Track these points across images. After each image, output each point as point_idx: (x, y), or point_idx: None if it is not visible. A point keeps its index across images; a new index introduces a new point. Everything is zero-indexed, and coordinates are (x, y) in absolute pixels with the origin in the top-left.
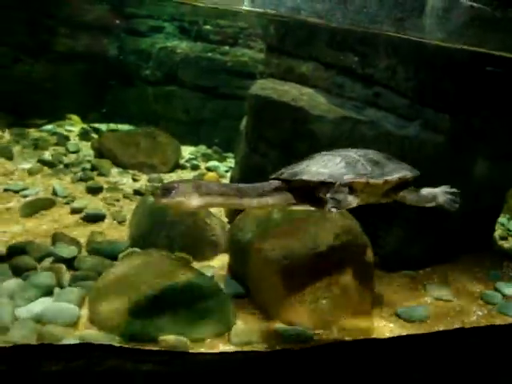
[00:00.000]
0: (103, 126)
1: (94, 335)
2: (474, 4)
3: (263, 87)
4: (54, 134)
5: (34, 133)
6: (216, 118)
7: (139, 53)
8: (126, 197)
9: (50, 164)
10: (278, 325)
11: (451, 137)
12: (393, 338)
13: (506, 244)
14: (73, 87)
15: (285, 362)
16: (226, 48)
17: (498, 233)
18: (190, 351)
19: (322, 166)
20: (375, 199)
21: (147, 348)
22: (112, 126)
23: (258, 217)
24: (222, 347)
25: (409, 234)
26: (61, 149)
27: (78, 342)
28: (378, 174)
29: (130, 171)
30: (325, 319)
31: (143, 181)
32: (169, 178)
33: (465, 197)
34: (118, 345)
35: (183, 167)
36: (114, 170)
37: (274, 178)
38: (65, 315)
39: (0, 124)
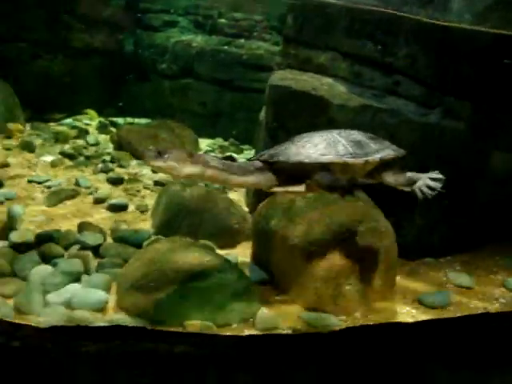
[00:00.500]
0: (120, 120)
1: (123, 320)
2: None
3: (282, 77)
4: (73, 127)
5: (53, 127)
6: (232, 110)
7: (155, 47)
8: (146, 187)
9: (70, 156)
10: (303, 311)
11: (472, 124)
12: (418, 322)
13: None
14: (89, 82)
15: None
16: (242, 41)
17: None
18: (221, 334)
19: (301, 147)
20: (355, 180)
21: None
22: (128, 119)
23: (282, 204)
24: (248, 332)
25: (430, 222)
26: (80, 142)
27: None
28: (359, 155)
29: None
30: (348, 305)
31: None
32: None
33: (486, 185)
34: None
35: None
36: (134, 162)
37: (256, 160)
38: (93, 301)
39: (20, 118)
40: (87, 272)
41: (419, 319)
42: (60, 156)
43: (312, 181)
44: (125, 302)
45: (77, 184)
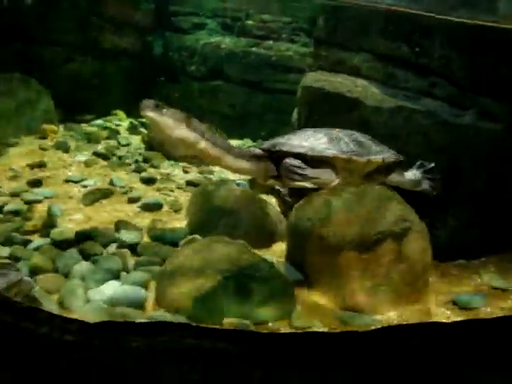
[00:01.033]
0: None
1: (162, 317)
2: None
3: (316, 79)
4: (104, 128)
5: (85, 127)
6: (261, 111)
7: (184, 49)
8: (179, 187)
9: (104, 156)
10: (338, 310)
11: (508, 125)
12: (457, 322)
13: None
14: (118, 84)
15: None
16: (270, 43)
17: None
18: (263, 331)
19: (304, 140)
20: (356, 181)
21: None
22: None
23: (318, 204)
24: (284, 331)
25: (463, 223)
26: (112, 142)
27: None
28: (362, 153)
29: (180, 163)
30: (383, 305)
31: (194, 173)
32: (219, 170)
33: None
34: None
35: None
36: (165, 163)
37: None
38: (133, 298)
39: (54, 119)
40: (126, 270)
41: (454, 320)
42: (93, 156)
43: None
44: (164, 299)
45: (111, 183)
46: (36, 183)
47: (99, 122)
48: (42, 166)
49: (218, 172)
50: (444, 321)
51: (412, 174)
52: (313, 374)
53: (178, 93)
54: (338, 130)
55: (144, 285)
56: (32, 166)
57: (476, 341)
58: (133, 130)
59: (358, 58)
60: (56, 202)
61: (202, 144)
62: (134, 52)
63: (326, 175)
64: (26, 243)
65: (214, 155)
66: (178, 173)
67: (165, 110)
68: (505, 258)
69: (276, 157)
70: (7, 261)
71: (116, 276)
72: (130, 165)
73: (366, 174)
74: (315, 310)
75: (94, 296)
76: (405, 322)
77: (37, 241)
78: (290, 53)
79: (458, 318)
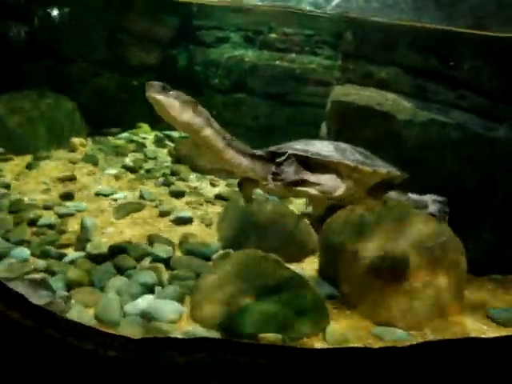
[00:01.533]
0: (175, 133)
1: (197, 331)
2: None
3: (345, 93)
4: (131, 141)
5: (112, 140)
6: (285, 124)
7: (207, 63)
8: (207, 201)
9: (132, 169)
10: (373, 325)
11: None
12: (496, 337)
13: None
14: (143, 97)
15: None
16: (293, 55)
17: None
18: (301, 347)
19: (310, 145)
20: (360, 193)
21: (257, 343)
22: (183, 133)
23: (351, 218)
24: (318, 346)
25: (499, 238)
26: (139, 155)
27: (182, 336)
28: (368, 164)
29: (208, 176)
30: (418, 320)
31: (221, 186)
32: None
33: None
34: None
35: None
36: (193, 176)
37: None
38: (168, 312)
39: (83, 133)
40: (160, 284)
41: (491, 336)
42: (122, 169)
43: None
44: (199, 314)
45: (141, 197)
46: (68, 196)
47: (125, 135)
48: (72, 179)
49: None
50: (481, 336)
51: (418, 196)
52: None
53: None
54: (340, 142)
55: (178, 299)
56: (63, 180)
57: None
58: (158, 143)
59: (387, 71)
60: (88, 215)
61: (207, 131)
62: (158, 66)
63: (330, 182)
64: (60, 257)
65: (217, 146)
66: (205, 186)
67: (171, 93)
68: None
69: (280, 161)
70: (43, 274)
71: (150, 290)
72: (158, 178)
73: (370, 187)
74: (349, 324)
75: (130, 310)
76: (441, 338)
77: (71, 254)
78: (314, 65)
79: (495, 334)
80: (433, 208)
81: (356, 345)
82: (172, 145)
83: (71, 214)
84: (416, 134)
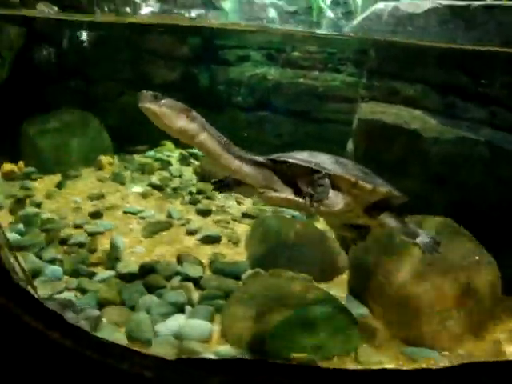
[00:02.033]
0: (199, 152)
1: (229, 351)
2: None
3: (372, 111)
4: (156, 159)
5: (138, 159)
6: (309, 141)
7: (229, 81)
8: (234, 219)
9: (158, 188)
10: (404, 345)
11: None
12: None
13: None
14: None
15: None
16: (316, 73)
17: None
18: (334, 368)
19: (312, 157)
20: (358, 211)
21: (290, 363)
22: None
23: (381, 238)
24: (351, 367)
25: None
26: (165, 173)
27: (214, 357)
28: (368, 181)
29: (234, 194)
30: (451, 340)
31: (247, 204)
32: None
33: None
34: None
35: None
36: (218, 194)
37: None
38: (199, 332)
39: (110, 151)
40: (190, 303)
41: None
42: (149, 187)
43: (300, 183)
44: (230, 333)
45: (169, 215)
46: (97, 215)
47: (151, 153)
48: (101, 197)
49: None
50: None
51: (413, 226)
52: None
53: (224, 123)
54: (345, 159)
55: (209, 319)
56: (92, 198)
57: None
58: (183, 161)
59: (413, 88)
60: (117, 233)
61: (203, 137)
62: (181, 84)
63: (334, 197)
64: (91, 275)
65: (214, 150)
66: (232, 204)
67: (163, 101)
68: None
69: (280, 168)
70: (75, 293)
71: (181, 310)
72: (185, 196)
73: (367, 206)
74: (381, 344)
75: (161, 329)
76: (475, 359)
77: (102, 273)
78: (337, 83)
79: None
80: (420, 239)
81: (388, 365)
82: (197, 163)
83: (101, 233)
84: (444, 152)
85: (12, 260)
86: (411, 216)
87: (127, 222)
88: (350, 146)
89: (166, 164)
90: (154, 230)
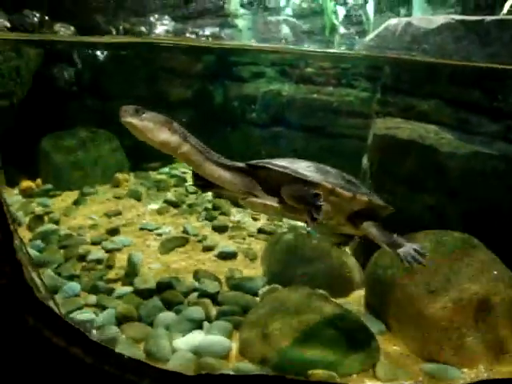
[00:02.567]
0: None
1: (247, 367)
2: None
3: (387, 126)
4: (171, 176)
5: (153, 176)
6: (323, 156)
7: (243, 97)
8: (250, 235)
9: (174, 204)
10: (423, 362)
11: None
12: None
13: None
14: None
15: None
16: (330, 89)
17: None
18: None
19: (290, 163)
20: (340, 220)
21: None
22: None
23: None
24: (369, 383)
25: None
26: (181, 190)
27: (233, 373)
28: (348, 189)
29: (249, 210)
30: (471, 357)
31: (262, 220)
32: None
33: None
34: (290, 377)
35: None
36: (234, 210)
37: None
38: (218, 348)
39: (126, 168)
40: (208, 319)
41: None
42: (165, 204)
43: (284, 192)
44: (248, 350)
45: (185, 231)
46: (114, 231)
47: (166, 170)
48: (117, 214)
49: (287, 220)
50: None
51: (400, 239)
52: None
53: (238, 139)
54: (325, 165)
55: (227, 335)
56: (109, 215)
57: None
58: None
59: (427, 103)
60: (134, 250)
61: (185, 148)
62: (196, 101)
63: None
64: (110, 291)
65: (196, 161)
66: (247, 220)
67: (145, 115)
68: None
69: (259, 174)
70: (94, 309)
71: (199, 326)
72: (201, 212)
73: (350, 215)
74: (399, 361)
75: (179, 345)
76: (495, 376)
77: (120, 289)
78: (351, 98)
79: None
80: (402, 250)
81: (407, 382)
82: None
83: (118, 249)
84: (459, 166)
85: (35, 276)
86: (427, 231)
87: (144, 239)
88: (365, 161)
89: (181, 181)
90: (171, 246)
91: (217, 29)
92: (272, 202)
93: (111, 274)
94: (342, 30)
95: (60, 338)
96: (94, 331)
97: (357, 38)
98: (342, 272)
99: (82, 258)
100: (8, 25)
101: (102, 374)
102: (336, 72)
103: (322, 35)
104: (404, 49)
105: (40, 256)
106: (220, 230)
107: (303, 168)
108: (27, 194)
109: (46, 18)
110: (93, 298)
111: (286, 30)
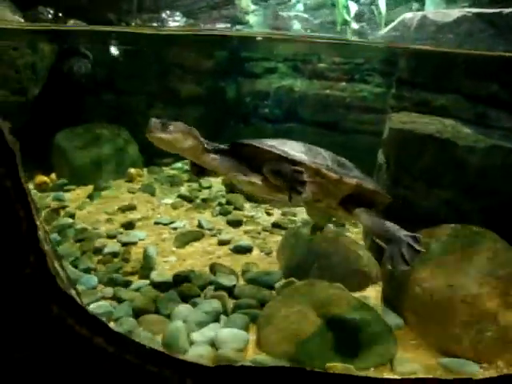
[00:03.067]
0: None
1: (265, 360)
2: None
3: (403, 120)
4: (184, 171)
5: (166, 171)
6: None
7: (256, 93)
8: (265, 230)
9: (188, 199)
10: (441, 356)
11: None
12: None
13: None
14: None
15: None
16: (343, 84)
17: None
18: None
19: (279, 144)
20: (331, 203)
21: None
22: None
23: None
24: (387, 376)
25: None
26: (194, 185)
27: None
28: (336, 171)
29: (263, 205)
30: (490, 352)
31: (276, 214)
32: (302, 210)
33: None
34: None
35: None
36: (247, 205)
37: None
38: (235, 340)
39: (139, 164)
40: (225, 312)
41: None
42: (178, 199)
43: (265, 168)
44: (265, 342)
45: (199, 226)
46: (129, 225)
47: (179, 165)
48: (132, 208)
49: (301, 214)
50: None
51: (392, 227)
52: None
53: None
54: (324, 149)
55: (244, 328)
56: (123, 209)
57: None
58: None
59: (444, 98)
60: (149, 243)
61: (200, 148)
62: (208, 97)
63: None
64: (126, 284)
65: (199, 154)
66: (261, 215)
67: (171, 128)
68: None
69: (245, 152)
70: (111, 302)
71: (216, 319)
72: (215, 207)
73: (343, 200)
74: (416, 355)
75: (197, 338)
76: None
77: (136, 282)
78: (364, 93)
79: None
80: (391, 247)
81: (425, 375)
82: None
83: (134, 243)
84: (478, 161)
85: (58, 267)
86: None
87: (159, 233)
88: (380, 156)
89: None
90: (186, 240)
91: (228, 25)
92: (256, 179)
93: (127, 267)
94: (353, 25)
95: (83, 327)
96: (112, 323)
97: (369, 32)
98: (359, 266)
99: (97, 251)
100: (22, 21)
101: (124, 364)
102: (349, 67)
103: (334, 31)
104: (420, 43)
105: (57, 249)
106: (234, 224)
107: (290, 148)
108: (42, 188)
109: (60, 14)
110: (110, 291)
111: (297, 25)
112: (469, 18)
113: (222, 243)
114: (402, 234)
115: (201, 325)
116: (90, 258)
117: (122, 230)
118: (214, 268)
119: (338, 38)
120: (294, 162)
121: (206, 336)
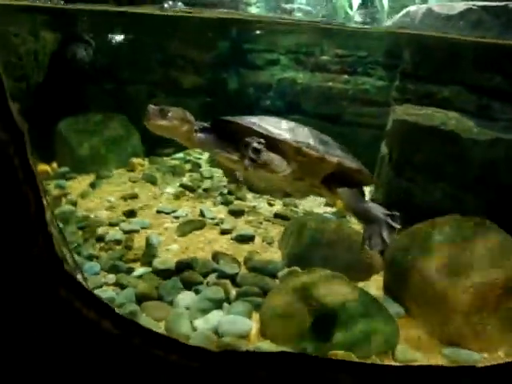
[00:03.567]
0: None
1: (268, 347)
2: None
3: (407, 113)
4: (186, 161)
5: (168, 161)
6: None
7: (258, 85)
8: (267, 220)
9: (190, 189)
10: (442, 346)
11: None
12: None
13: None
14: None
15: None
16: (346, 77)
17: None
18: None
19: (260, 120)
20: (313, 181)
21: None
22: None
23: (418, 236)
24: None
25: None
26: (196, 175)
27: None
28: (317, 149)
29: (264, 196)
30: (491, 342)
31: (278, 205)
32: (304, 202)
33: None
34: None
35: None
36: (249, 195)
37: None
38: (238, 328)
39: (141, 153)
40: (228, 300)
41: None
42: (180, 188)
43: (242, 143)
44: (268, 330)
45: (201, 215)
46: (131, 214)
47: (180, 155)
48: (134, 197)
49: (303, 204)
50: None
51: (374, 207)
52: None
53: None
54: (309, 128)
55: (247, 315)
56: (125, 198)
57: None
58: (213, 162)
59: (448, 90)
60: (152, 232)
61: (193, 131)
62: (210, 88)
63: (276, 161)
64: (129, 271)
65: (191, 135)
66: (263, 205)
67: (170, 114)
68: None
69: (228, 129)
70: (114, 288)
71: (218, 306)
72: (217, 197)
73: (325, 178)
74: (419, 344)
75: (200, 325)
76: None
77: (139, 269)
78: (367, 86)
79: None
80: (368, 230)
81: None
82: None
83: (136, 231)
84: (481, 153)
85: (64, 250)
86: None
87: (161, 221)
88: (383, 148)
89: (196, 166)
90: (188, 229)
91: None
92: (235, 155)
93: (130, 255)
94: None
95: (90, 310)
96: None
97: (373, 25)
98: (362, 256)
99: (100, 238)
100: None
101: (131, 348)
102: (352, 60)
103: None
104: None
105: (63, 234)
106: (236, 214)
107: (274, 126)
108: (43, 176)
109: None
110: (112, 277)
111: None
112: (474, 11)
113: (224, 232)
114: (381, 213)
115: (204, 312)
116: (93, 246)
117: (124, 218)
118: (216, 256)
119: (343, 24)
120: (276, 140)
121: (208, 323)
